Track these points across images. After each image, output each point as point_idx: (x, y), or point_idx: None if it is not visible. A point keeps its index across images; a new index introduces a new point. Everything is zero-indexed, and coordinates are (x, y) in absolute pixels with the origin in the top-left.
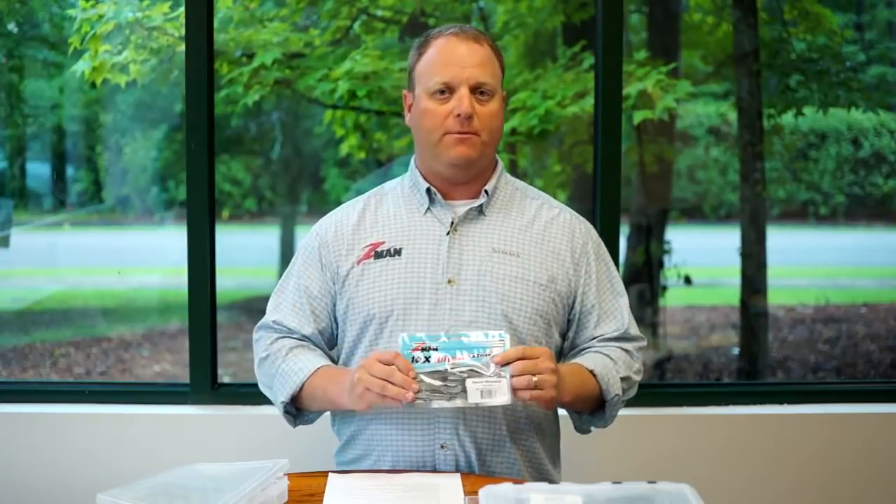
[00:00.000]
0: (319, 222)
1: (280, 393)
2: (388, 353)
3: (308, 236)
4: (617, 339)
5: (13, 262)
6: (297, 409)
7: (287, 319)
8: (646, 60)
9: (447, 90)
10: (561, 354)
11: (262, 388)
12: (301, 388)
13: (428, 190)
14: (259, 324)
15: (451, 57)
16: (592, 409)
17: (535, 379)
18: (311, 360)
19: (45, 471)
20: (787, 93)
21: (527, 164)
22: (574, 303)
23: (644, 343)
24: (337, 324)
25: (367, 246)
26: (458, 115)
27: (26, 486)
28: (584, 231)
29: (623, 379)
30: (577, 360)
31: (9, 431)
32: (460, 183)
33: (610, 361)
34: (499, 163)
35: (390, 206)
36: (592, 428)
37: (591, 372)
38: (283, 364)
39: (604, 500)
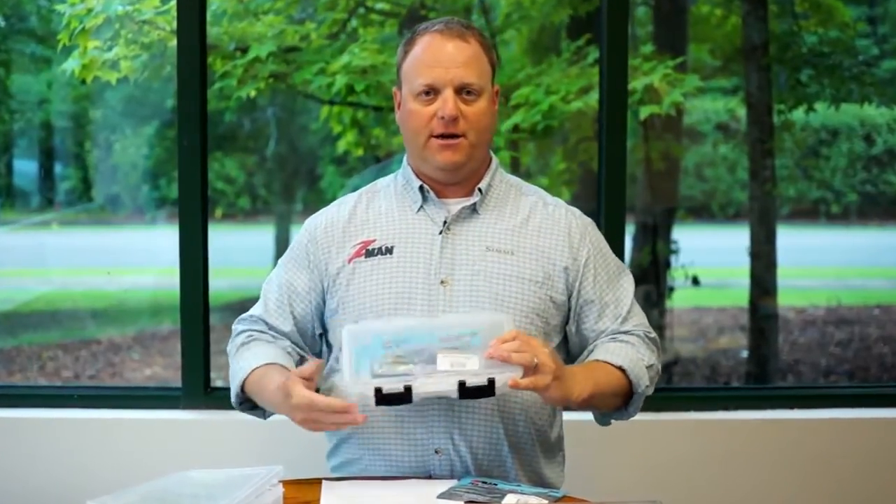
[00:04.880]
0: (310, 218)
1: (232, 393)
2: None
3: (299, 232)
4: (628, 331)
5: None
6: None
7: (267, 315)
8: (652, 54)
9: (432, 91)
10: (565, 355)
11: None
12: (244, 390)
13: (421, 188)
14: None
15: (435, 57)
16: (618, 405)
17: (536, 360)
18: (250, 360)
19: (33, 478)
20: (798, 88)
21: (530, 162)
22: (571, 296)
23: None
24: (322, 323)
25: (358, 244)
26: (443, 117)
27: (13, 493)
28: (580, 225)
29: (648, 367)
30: (597, 354)
31: None
32: (452, 182)
33: (633, 350)
34: (493, 160)
35: (382, 204)
36: (612, 420)
37: (620, 367)
38: (233, 362)
39: None
